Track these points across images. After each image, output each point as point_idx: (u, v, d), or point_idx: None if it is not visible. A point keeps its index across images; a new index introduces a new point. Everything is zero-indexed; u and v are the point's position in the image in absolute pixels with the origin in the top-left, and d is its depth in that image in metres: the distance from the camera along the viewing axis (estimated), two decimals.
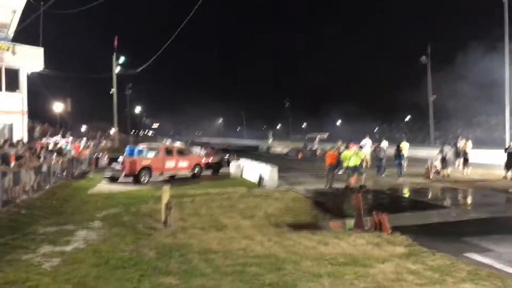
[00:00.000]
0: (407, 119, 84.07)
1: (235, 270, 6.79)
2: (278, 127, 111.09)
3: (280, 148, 50.49)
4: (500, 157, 20.33)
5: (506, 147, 20.05)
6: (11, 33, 22.18)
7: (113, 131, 47.18)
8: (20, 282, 6.05)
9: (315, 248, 8.14)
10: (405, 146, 20.98)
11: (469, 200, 14.97)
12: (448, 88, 46.48)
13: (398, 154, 19.97)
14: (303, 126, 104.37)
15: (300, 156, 39.59)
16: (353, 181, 16.70)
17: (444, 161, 20.87)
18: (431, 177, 19.87)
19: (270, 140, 67.77)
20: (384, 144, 22.95)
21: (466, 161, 21.91)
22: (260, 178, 18.03)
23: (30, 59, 22.41)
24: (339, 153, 18.43)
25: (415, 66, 45.50)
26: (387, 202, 14.51)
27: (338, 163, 18.27)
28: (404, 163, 20.18)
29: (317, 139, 48.07)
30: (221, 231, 9.67)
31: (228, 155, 26.77)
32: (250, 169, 20.84)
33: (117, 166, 19.23)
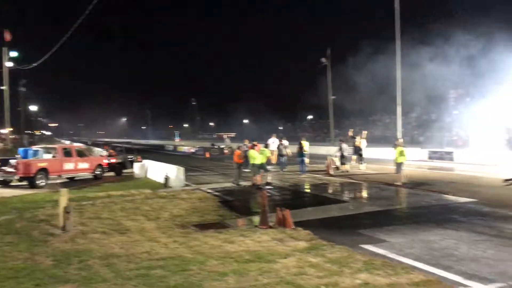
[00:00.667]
0: (309, 118, 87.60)
1: (139, 274, 6.60)
2: (185, 126, 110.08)
3: (187, 147, 50.08)
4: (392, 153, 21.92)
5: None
6: None
7: (4, 131, 43.59)
8: None
9: (221, 247, 8.17)
10: (305, 144, 21.84)
11: (364, 194, 15.93)
12: (347, 88, 49.09)
13: (300, 152, 20.77)
14: (211, 125, 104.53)
15: (207, 155, 39.57)
16: (259, 178, 17.03)
17: (343, 157, 22.08)
18: (331, 173, 20.88)
19: (177, 139, 66.92)
20: (285, 142, 23.81)
21: (360, 156, 23.41)
22: (166, 179, 17.72)
23: None
24: (246, 152, 18.69)
25: (316, 67, 47.40)
26: (291, 198, 14.99)
27: (245, 161, 18.54)
28: (306, 160, 21.05)
29: (226, 138, 48.49)
30: (124, 235, 9.35)
31: (132, 155, 25.97)
32: (155, 169, 20.41)
33: (9, 168, 17.83)
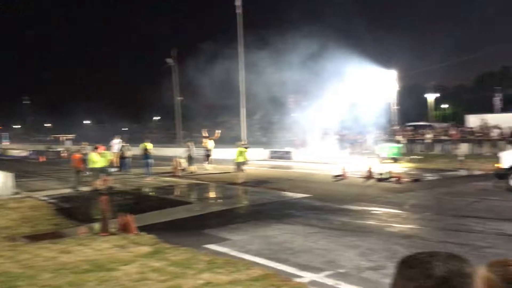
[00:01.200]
0: (156, 119, 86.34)
1: None
2: (16, 127, 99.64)
3: (18, 150, 45.44)
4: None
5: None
6: None
7: None
8: None
9: (55, 258, 7.53)
10: (148, 146, 21.32)
11: (210, 194, 16.24)
12: (194, 88, 49.55)
13: (145, 154, 20.32)
14: (47, 126, 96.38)
15: (42, 159, 36.39)
16: (100, 183, 16.17)
17: (190, 158, 22.22)
18: (178, 174, 20.83)
19: (5, 142, 60.33)
20: (126, 144, 23.32)
21: (207, 157, 23.87)
22: None
23: None
24: (86, 155, 17.61)
25: (161, 67, 46.93)
26: (135, 202, 14.55)
27: (84, 165, 17.45)
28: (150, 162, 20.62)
29: (66, 140, 45.27)
30: None
31: None
32: None
33: None
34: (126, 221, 9.35)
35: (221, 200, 14.37)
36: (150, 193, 16.56)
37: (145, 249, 7.92)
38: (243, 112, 34.07)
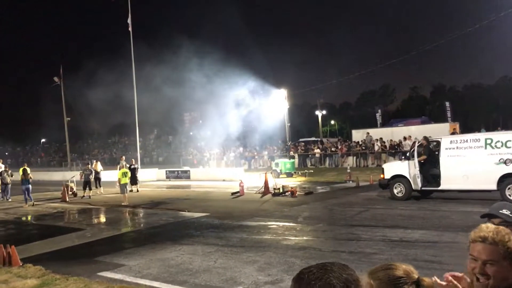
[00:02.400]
0: (43, 141, 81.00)
1: None
2: None
3: None
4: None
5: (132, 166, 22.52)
6: None
7: None
8: None
9: None
10: (27, 170, 19.61)
11: (102, 218, 15.48)
12: (83, 108, 47.26)
13: (26, 179, 18.85)
14: None
15: None
16: None
17: (87, 183, 21.04)
18: (67, 199, 19.62)
19: None
20: (7, 170, 21.62)
21: (98, 180, 22.80)
22: None
23: None
24: None
25: (51, 86, 44.10)
26: (18, 232, 13.41)
27: None
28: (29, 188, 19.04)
29: None
30: None
31: None
32: None
33: None
34: (8, 253, 8.57)
35: (114, 224, 13.75)
36: (35, 221, 15.35)
37: (32, 282, 7.31)
38: (136, 132, 33.19)
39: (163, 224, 13.08)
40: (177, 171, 31.54)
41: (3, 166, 23.64)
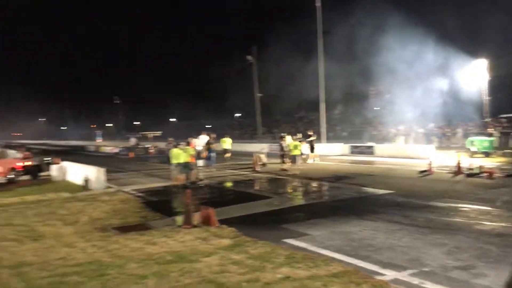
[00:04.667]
0: (237, 115, 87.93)
1: (52, 281, 6.23)
2: (108, 125, 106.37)
3: (110, 147, 48.41)
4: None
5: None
6: None
7: None
8: None
9: (142, 249, 7.91)
10: (227, 141, 22.00)
11: (288, 189, 16.16)
12: (273, 85, 49.95)
13: (209, 148, 21.19)
14: (136, 124, 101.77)
15: (131, 155, 38.47)
16: (182, 178, 16.73)
17: (283, 155, 21.97)
18: (257, 169, 21.06)
19: (99, 140, 64.56)
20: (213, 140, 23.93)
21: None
22: (86, 181, 16.95)
23: None
24: (169, 150, 18.30)
25: (242, 65, 47.66)
26: (216, 196, 14.88)
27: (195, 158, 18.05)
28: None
29: (132, 138, 47.84)
30: (37, 241, 8.80)
31: (49, 157, 24.60)
32: (74, 171, 19.48)
33: None
34: (208, 214, 9.60)
35: (300, 195, 14.29)
36: (230, 187, 16.88)
37: (226, 242, 8.07)
38: (322, 106, 33.68)
39: (346, 198, 13.11)
40: (361, 146, 31.15)
41: (207, 137, 26.16)
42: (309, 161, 24.51)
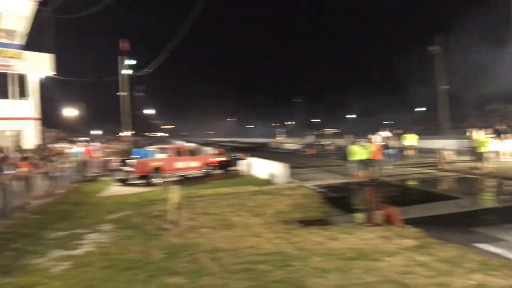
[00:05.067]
0: (419, 109, 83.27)
1: (244, 268, 6.77)
2: (290, 123, 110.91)
3: (291, 144, 50.41)
4: None
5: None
6: (20, 39, 22.40)
7: (124, 133, 47.54)
8: (30, 286, 6.11)
9: (324, 243, 8.10)
10: (411, 137, 21.03)
11: (480, 189, 14.74)
12: (458, 75, 46.03)
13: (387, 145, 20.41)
14: (315, 121, 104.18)
15: (311, 151, 39.44)
16: (362, 174, 16.55)
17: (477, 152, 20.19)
18: (442, 168, 19.68)
19: (280, 137, 67.76)
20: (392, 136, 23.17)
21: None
22: (270, 175, 17.99)
23: (38, 65, 22.58)
24: (347, 147, 18.28)
25: (425, 54, 44.98)
26: (398, 194, 14.37)
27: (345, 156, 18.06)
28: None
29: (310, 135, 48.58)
30: (230, 230, 9.67)
31: (238, 153, 26.76)
32: (259, 167, 20.83)
33: (128, 168, 19.32)
34: (390, 213, 9.36)
35: (493, 196, 12.91)
36: (413, 186, 16.14)
37: (410, 242, 7.76)
38: None
39: None
40: None
41: (389, 133, 25.45)
42: (503, 158, 21.90)
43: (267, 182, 17.89)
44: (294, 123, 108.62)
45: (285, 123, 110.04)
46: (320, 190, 15.43)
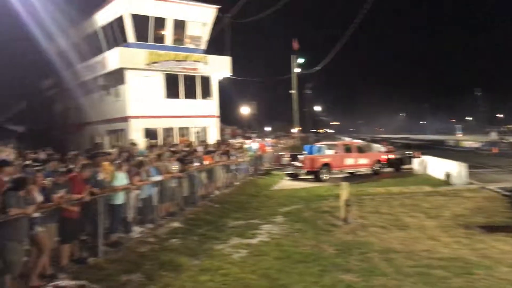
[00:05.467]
0: None
1: (418, 271, 6.48)
2: (468, 119, 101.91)
3: (470, 142, 46.23)
4: None
5: None
6: (203, 44, 24.67)
7: (293, 130, 49.12)
8: (214, 270, 6.72)
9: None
10: None
11: None
12: None
13: None
14: (499, 116, 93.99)
15: (494, 150, 35.62)
16: None
17: None
18: None
19: (459, 134, 62.64)
20: None
21: None
22: (447, 175, 16.76)
23: (219, 68, 24.55)
24: None
25: None
26: None
27: None
28: None
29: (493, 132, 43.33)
30: (403, 231, 9.31)
31: (410, 151, 25.48)
32: (435, 166, 19.54)
33: (298, 163, 19.86)
34: None
35: None
36: None
37: None
38: None
39: None
40: None
41: None
42: None
43: (444, 182, 16.69)
44: (471, 119, 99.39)
45: (466, 118, 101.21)
46: (506, 193, 13.84)
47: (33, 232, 5.87)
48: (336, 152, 20.34)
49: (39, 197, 6.07)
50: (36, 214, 5.90)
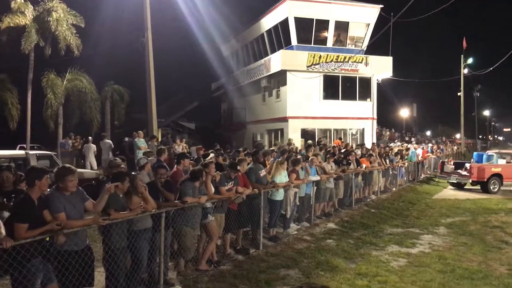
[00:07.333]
0: None
1: None
2: None
3: None
4: None
5: None
6: (364, 45, 24.22)
7: (458, 135, 45.43)
8: (371, 276, 6.56)
9: None
10: None
11: None
12: None
13: None
14: None
15: None
16: None
17: None
18: None
19: None
20: None
21: None
22: None
23: (380, 69, 23.86)
24: None
25: None
26: None
27: None
28: None
29: None
30: None
31: None
32: None
33: (463, 172, 18.39)
34: None
35: None
36: None
37: None
38: None
39: None
40: None
41: None
42: None
43: None
44: None
45: None
46: None
47: (205, 221, 6.43)
48: (508, 162, 18.28)
49: (212, 189, 6.61)
50: (209, 204, 6.46)
